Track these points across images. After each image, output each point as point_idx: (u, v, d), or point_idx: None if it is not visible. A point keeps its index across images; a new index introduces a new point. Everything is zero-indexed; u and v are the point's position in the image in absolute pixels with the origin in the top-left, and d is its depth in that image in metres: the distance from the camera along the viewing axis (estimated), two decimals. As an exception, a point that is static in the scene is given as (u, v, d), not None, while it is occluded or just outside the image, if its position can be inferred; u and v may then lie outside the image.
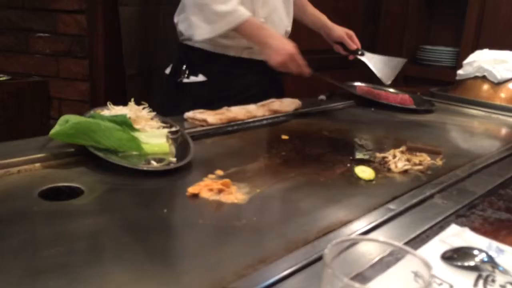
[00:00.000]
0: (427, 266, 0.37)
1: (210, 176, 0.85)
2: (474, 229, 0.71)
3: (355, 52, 1.62)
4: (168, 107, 1.18)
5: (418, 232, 0.69)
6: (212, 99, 1.30)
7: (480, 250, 0.61)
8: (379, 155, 1.03)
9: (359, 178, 0.91)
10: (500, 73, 1.67)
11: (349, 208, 0.78)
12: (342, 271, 0.36)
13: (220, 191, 0.78)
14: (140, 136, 0.94)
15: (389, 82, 1.63)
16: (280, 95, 1.48)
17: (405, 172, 0.96)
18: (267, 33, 1.36)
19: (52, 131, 0.86)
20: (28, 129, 2.00)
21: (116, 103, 1.04)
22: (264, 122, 1.28)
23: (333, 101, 1.56)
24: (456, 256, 0.61)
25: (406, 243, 0.66)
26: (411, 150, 1.06)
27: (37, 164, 0.84)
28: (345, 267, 0.39)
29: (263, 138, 1.19)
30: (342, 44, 1.64)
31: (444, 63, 3.02)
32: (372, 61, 1.63)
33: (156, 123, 1.02)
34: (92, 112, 0.97)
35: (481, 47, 1.82)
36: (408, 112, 1.55)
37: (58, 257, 0.57)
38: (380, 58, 1.65)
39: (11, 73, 2.08)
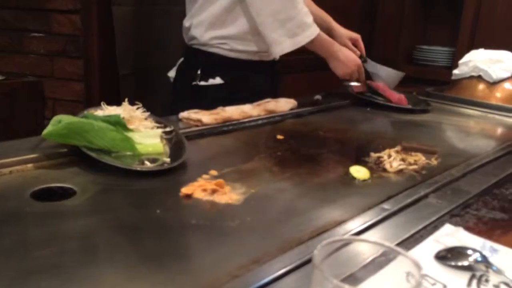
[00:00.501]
0: (418, 266, 0.37)
1: (204, 176, 0.85)
2: (468, 228, 0.71)
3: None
4: (177, 109, 1.20)
5: (412, 231, 0.69)
6: (229, 100, 1.31)
7: (474, 250, 0.61)
8: (374, 154, 1.02)
9: (354, 178, 0.91)
10: (495, 73, 1.68)
11: (343, 208, 0.78)
12: (333, 272, 0.35)
13: (214, 191, 0.78)
14: (134, 136, 0.93)
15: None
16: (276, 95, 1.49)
17: (400, 171, 0.96)
18: (335, 47, 1.48)
19: (45, 131, 0.85)
20: (22, 130, 1.99)
21: (111, 103, 1.04)
22: (260, 122, 1.28)
23: (329, 100, 1.56)
24: (450, 256, 0.61)
25: (400, 243, 0.66)
26: (406, 149, 1.06)
27: (29, 165, 0.83)
28: (336, 268, 0.39)
29: (258, 138, 1.19)
30: None
31: (440, 63, 3.02)
32: (374, 69, 1.64)
33: (150, 123, 1.02)
34: (85, 112, 0.97)
35: (476, 47, 1.82)
36: (404, 112, 1.55)
37: (50, 258, 0.57)
38: (382, 68, 1.66)
39: (5, 73, 2.07)
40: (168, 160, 0.90)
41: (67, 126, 0.84)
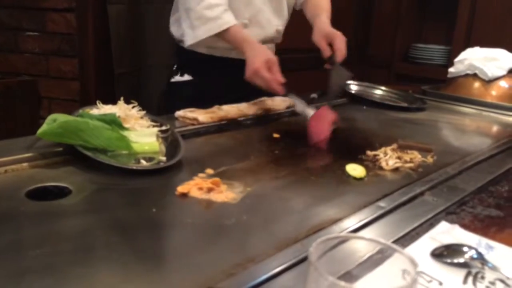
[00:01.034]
0: (414, 264, 0.37)
1: (200, 175, 0.84)
2: (464, 226, 0.71)
3: (328, 59, 1.38)
4: (163, 107, 1.20)
5: (408, 229, 0.69)
6: (200, 98, 1.30)
7: (470, 247, 0.61)
8: (370, 153, 1.03)
9: (350, 176, 0.91)
10: (491, 71, 1.68)
11: (339, 206, 0.78)
12: (329, 270, 0.35)
13: (210, 190, 0.77)
14: (130, 135, 0.93)
15: (333, 99, 1.53)
16: (271, 94, 1.47)
17: (396, 169, 0.96)
18: (246, 46, 1.29)
19: (40, 130, 0.85)
20: (18, 129, 1.97)
21: (107, 102, 1.03)
22: (256, 120, 1.28)
23: (325, 99, 1.56)
24: (445, 253, 0.61)
25: (396, 241, 0.66)
26: (402, 148, 1.06)
27: (25, 164, 0.82)
28: (332, 265, 0.39)
29: (254, 137, 1.19)
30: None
31: (436, 61, 3.03)
32: (333, 74, 1.38)
33: (146, 122, 1.02)
34: (80, 111, 0.96)
35: (472, 45, 1.83)
36: (400, 110, 1.55)
37: (44, 258, 0.56)
38: (342, 73, 1.40)
39: (0, 72, 2.06)
40: (164, 158, 0.90)
41: (62, 125, 0.84)
